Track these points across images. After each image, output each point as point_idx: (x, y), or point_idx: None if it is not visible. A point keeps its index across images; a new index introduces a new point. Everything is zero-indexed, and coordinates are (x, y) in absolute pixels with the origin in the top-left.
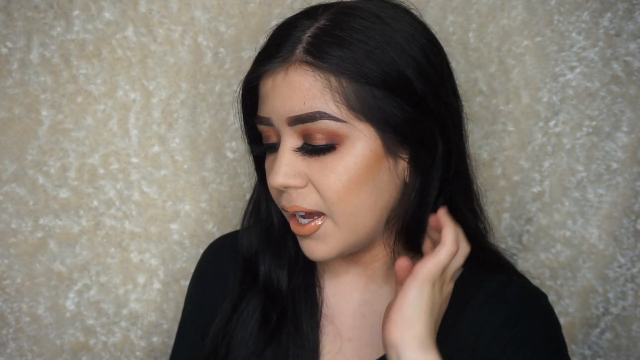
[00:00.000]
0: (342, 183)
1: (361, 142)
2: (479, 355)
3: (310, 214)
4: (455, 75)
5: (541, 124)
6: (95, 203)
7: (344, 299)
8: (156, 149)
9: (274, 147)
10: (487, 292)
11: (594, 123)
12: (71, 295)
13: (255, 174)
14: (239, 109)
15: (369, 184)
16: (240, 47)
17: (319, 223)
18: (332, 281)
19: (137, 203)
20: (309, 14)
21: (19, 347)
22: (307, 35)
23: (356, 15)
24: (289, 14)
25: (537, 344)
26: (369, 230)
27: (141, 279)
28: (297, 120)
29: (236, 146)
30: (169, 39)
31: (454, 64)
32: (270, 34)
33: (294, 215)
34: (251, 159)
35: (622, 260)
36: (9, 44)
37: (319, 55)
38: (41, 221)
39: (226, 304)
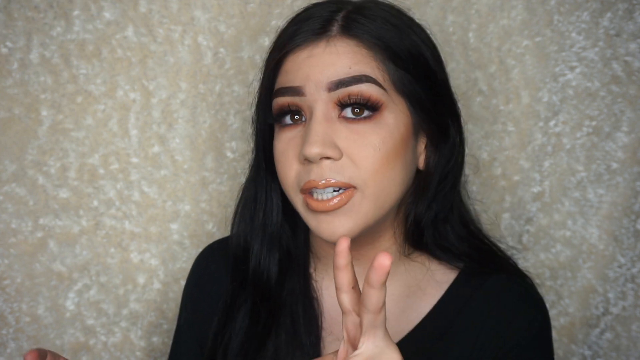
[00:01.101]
0: (380, 154)
1: (396, 115)
2: (477, 355)
3: (340, 188)
4: (455, 75)
5: (541, 124)
6: (95, 203)
7: None
8: (156, 149)
9: (296, 122)
10: (487, 292)
11: (594, 123)
12: (71, 295)
13: (250, 173)
14: (261, 84)
15: (402, 159)
16: (240, 47)
17: (347, 197)
18: (330, 282)
19: (137, 203)
20: (333, 4)
21: (19, 347)
22: (340, 16)
23: (379, 7)
24: (289, 14)
25: (535, 350)
26: (390, 208)
27: (141, 279)
28: (340, 84)
29: (236, 146)
30: (169, 39)
31: (454, 64)
32: (290, 20)
33: (309, 193)
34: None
35: (622, 260)
36: (9, 44)
37: (358, 30)
38: (41, 221)
39: (220, 307)
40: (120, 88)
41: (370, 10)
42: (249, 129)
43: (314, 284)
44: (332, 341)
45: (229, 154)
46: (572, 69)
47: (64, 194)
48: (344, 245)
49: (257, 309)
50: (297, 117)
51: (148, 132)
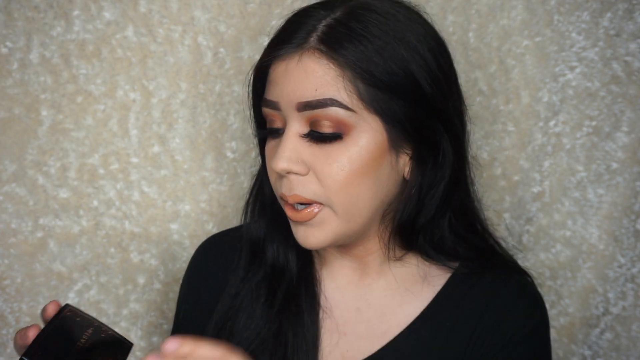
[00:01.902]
0: (344, 173)
1: (367, 134)
2: (473, 347)
3: (311, 202)
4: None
5: (541, 124)
6: (95, 203)
7: (340, 292)
8: (156, 149)
9: (277, 132)
10: (483, 288)
11: (594, 123)
12: (71, 295)
13: (260, 164)
14: (249, 92)
15: (371, 176)
16: (240, 47)
17: (316, 210)
18: (329, 274)
19: (137, 203)
20: (326, 5)
21: None
22: (322, 24)
23: (372, 10)
24: (289, 13)
25: (530, 346)
26: (364, 222)
27: (141, 279)
28: (307, 106)
29: (236, 146)
30: (169, 39)
31: (454, 64)
32: (285, 20)
33: (286, 202)
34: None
35: (622, 260)
36: (9, 44)
37: (333, 45)
38: (41, 221)
39: (229, 289)
40: (120, 88)
41: (358, 21)
42: (249, 129)
43: (315, 279)
44: (334, 335)
45: (229, 154)
46: (572, 69)
47: (64, 194)
48: (170, 348)
49: (274, 291)
50: (278, 128)
51: (148, 132)
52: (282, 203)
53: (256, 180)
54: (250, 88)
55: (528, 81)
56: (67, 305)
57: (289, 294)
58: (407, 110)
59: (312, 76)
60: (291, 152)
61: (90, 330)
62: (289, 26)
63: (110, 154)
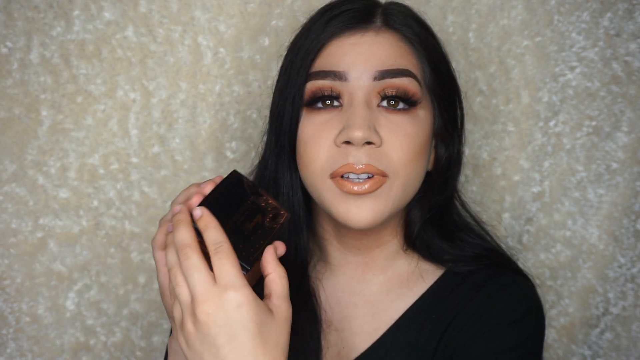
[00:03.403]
0: (414, 147)
1: (426, 112)
2: (449, 335)
3: (373, 174)
4: (455, 75)
5: (541, 124)
6: (95, 203)
7: (340, 289)
8: (156, 149)
9: (332, 105)
10: (475, 281)
11: (594, 123)
12: (71, 295)
13: (265, 155)
14: (291, 65)
15: (426, 154)
16: (240, 47)
17: (381, 181)
18: (331, 272)
19: (137, 203)
20: (362, 1)
21: (19, 347)
22: (380, 10)
23: (406, 9)
24: (289, 14)
25: (504, 342)
26: (409, 200)
27: (141, 279)
28: (385, 74)
29: (236, 146)
30: (169, 39)
31: (454, 64)
32: (325, 8)
33: (341, 177)
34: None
35: (622, 260)
36: (9, 44)
37: (400, 24)
38: (41, 221)
39: None
40: (120, 88)
41: (402, 11)
42: (249, 129)
43: (314, 277)
44: (332, 332)
45: (229, 154)
46: (572, 69)
47: (64, 194)
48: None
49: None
50: (330, 101)
51: (148, 132)
52: (327, 183)
53: (261, 166)
54: (295, 64)
55: (528, 81)
56: (236, 172)
57: (298, 292)
58: (449, 97)
59: (392, 48)
60: (368, 121)
61: (251, 198)
62: (342, 9)
63: (110, 154)
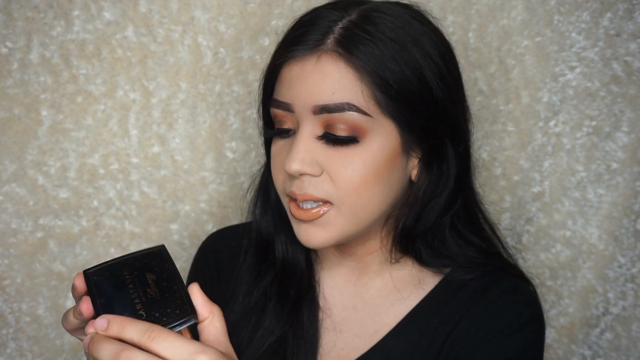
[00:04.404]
0: (359, 176)
1: (382, 138)
2: (452, 340)
3: (318, 201)
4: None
5: (541, 124)
6: (95, 203)
7: (338, 291)
8: (156, 149)
9: (287, 133)
10: (476, 286)
11: (594, 123)
12: (71, 295)
13: (265, 162)
14: (260, 92)
15: (383, 179)
16: (240, 47)
17: (323, 210)
18: (328, 274)
19: (137, 203)
20: (338, 6)
21: (19, 347)
22: (339, 26)
23: (387, 14)
24: (289, 14)
25: (509, 349)
26: (370, 223)
27: None
28: (323, 110)
29: (236, 146)
30: (169, 39)
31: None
32: (296, 21)
33: (294, 199)
34: (255, 150)
35: (622, 260)
36: (9, 44)
37: (351, 49)
38: (41, 221)
39: (240, 290)
40: (120, 88)
41: (374, 24)
42: (250, 129)
43: (313, 279)
44: (331, 332)
45: (229, 154)
46: (572, 69)
47: (64, 194)
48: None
49: (285, 290)
50: (288, 129)
51: (148, 132)
52: (286, 201)
53: (262, 176)
54: (261, 90)
55: (528, 81)
56: (87, 272)
57: (300, 293)
58: (420, 115)
59: (330, 79)
60: (305, 154)
61: (125, 271)
62: (303, 26)
63: (110, 154)
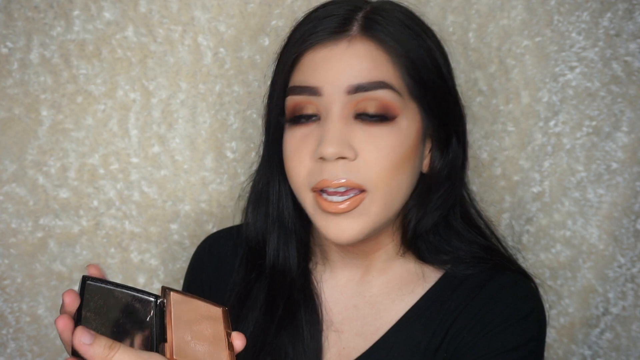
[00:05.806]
0: (393, 158)
1: (409, 121)
2: (452, 334)
3: (351, 190)
4: (455, 75)
5: (541, 124)
6: (95, 203)
7: (339, 291)
8: (156, 149)
9: (309, 119)
10: (476, 281)
11: (594, 123)
12: None
13: (261, 164)
14: (275, 79)
15: (411, 163)
16: (240, 47)
17: (361, 198)
18: (331, 272)
19: (137, 203)
20: (348, 3)
21: (19, 347)
22: (360, 15)
23: (395, 9)
24: (289, 14)
25: (506, 343)
26: (396, 212)
27: (141, 279)
28: (358, 89)
29: (236, 146)
30: (169, 39)
31: (453, 64)
32: (309, 13)
33: (320, 192)
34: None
35: (622, 260)
36: (9, 44)
37: (378, 33)
38: (41, 221)
39: (233, 296)
40: (120, 88)
41: (388, 13)
42: (250, 129)
43: (314, 278)
44: (332, 333)
45: (229, 154)
46: (572, 69)
47: (64, 194)
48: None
49: (274, 302)
50: (311, 115)
51: (148, 132)
52: (310, 197)
53: (256, 177)
54: (280, 77)
55: (528, 81)
56: (86, 281)
57: (290, 303)
58: (439, 102)
59: (364, 60)
60: (341, 136)
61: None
62: (323, 16)
63: (110, 154)
